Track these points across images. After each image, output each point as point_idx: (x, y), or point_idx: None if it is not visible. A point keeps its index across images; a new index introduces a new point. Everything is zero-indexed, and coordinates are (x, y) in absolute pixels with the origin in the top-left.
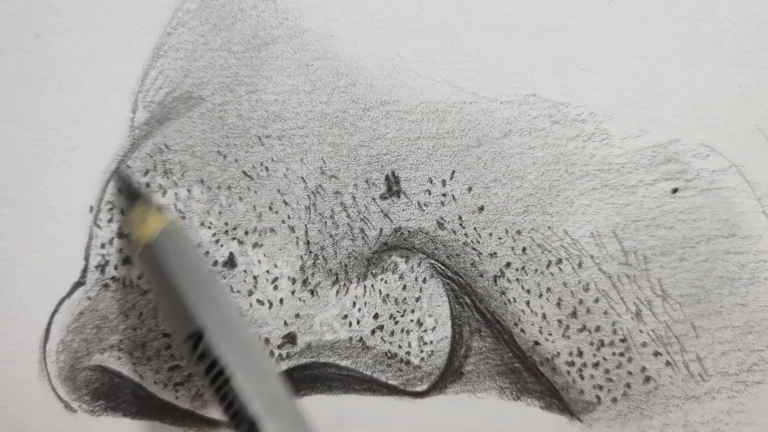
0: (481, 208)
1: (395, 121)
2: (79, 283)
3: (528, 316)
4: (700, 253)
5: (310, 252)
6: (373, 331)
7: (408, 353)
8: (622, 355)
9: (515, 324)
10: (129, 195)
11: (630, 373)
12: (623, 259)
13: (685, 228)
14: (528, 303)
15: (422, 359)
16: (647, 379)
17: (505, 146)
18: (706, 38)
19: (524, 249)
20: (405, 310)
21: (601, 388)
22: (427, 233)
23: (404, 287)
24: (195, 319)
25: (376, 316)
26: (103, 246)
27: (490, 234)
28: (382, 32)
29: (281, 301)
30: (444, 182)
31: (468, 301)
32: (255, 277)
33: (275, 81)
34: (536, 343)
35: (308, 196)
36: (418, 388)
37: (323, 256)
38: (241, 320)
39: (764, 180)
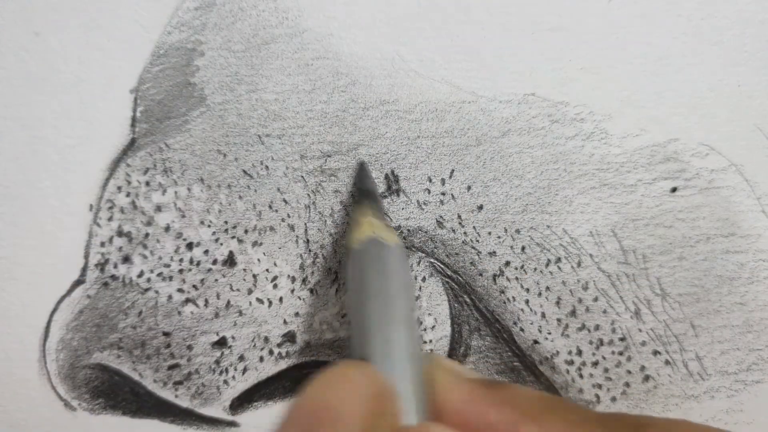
0: (480, 207)
1: (395, 120)
2: (78, 282)
3: (527, 314)
4: (700, 252)
5: (310, 250)
6: None
7: None
8: (621, 354)
9: (514, 323)
10: (362, 192)
11: (629, 372)
12: (622, 258)
13: (685, 227)
14: (527, 302)
15: None
16: (646, 378)
17: (504, 145)
18: (706, 38)
19: (523, 248)
20: None
21: (600, 386)
22: (426, 232)
23: None
24: (362, 347)
25: None
26: (102, 244)
27: (489, 233)
28: (381, 31)
29: (281, 299)
30: (443, 181)
31: (467, 299)
32: (254, 276)
33: (275, 80)
34: (535, 341)
35: (308, 194)
36: None
37: (323, 254)
38: (413, 363)
39: (763, 179)
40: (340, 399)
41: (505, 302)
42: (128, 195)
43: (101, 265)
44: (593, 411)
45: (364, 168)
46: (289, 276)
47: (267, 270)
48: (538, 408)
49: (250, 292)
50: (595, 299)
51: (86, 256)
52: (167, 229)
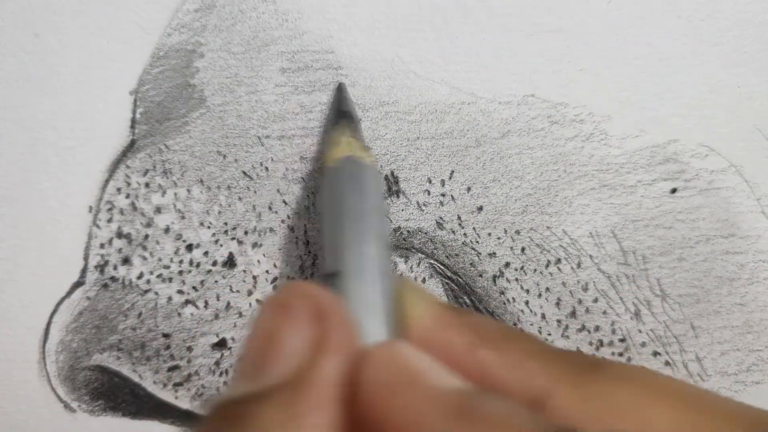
0: (480, 208)
1: (394, 121)
2: (78, 283)
3: (527, 315)
4: (699, 253)
5: (310, 252)
6: None
7: None
8: (621, 355)
9: (514, 324)
10: (340, 113)
11: None
12: (622, 259)
13: (684, 228)
14: (527, 303)
15: None
16: None
17: (503, 146)
18: (705, 38)
19: (523, 249)
20: None
21: None
22: (426, 233)
23: None
24: (335, 262)
25: None
26: (102, 246)
27: (489, 234)
28: (381, 33)
29: None
30: (443, 182)
31: (467, 300)
32: (254, 277)
33: (275, 82)
34: None
35: (308, 195)
36: None
37: (323, 255)
38: (384, 280)
39: (763, 180)
40: (279, 330)
41: (505, 303)
42: (128, 196)
43: (101, 267)
44: (550, 345)
45: (342, 89)
46: (289, 277)
47: (267, 271)
48: (498, 335)
49: (250, 293)
50: (595, 300)
51: (86, 258)
52: (167, 230)
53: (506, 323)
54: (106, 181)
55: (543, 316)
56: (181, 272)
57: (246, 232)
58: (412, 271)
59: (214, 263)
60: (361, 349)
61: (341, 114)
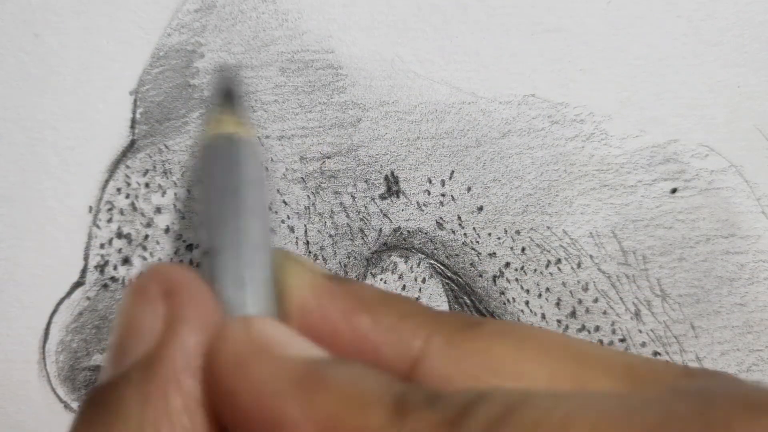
0: (480, 208)
1: (394, 121)
2: (78, 284)
3: (527, 316)
4: (699, 253)
5: (310, 252)
6: None
7: None
8: None
9: None
10: (220, 92)
11: None
12: (622, 259)
13: (684, 228)
14: (527, 303)
15: None
16: None
17: (504, 146)
18: (705, 38)
19: (523, 249)
20: None
21: None
22: (426, 233)
23: (404, 287)
24: (210, 239)
25: None
26: (102, 246)
27: (489, 234)
28: (381, 33)
29: None
30: (443, 182)
31: (467, 301)
32: None
33: (275, 82)
34: None
35: (307, 196)
36: None
37: (323, 256)
38: (262, 254)
39: (763, 180)
40: (136, 312)
41: (505, 303)
42: (128, 197)
43: (101, 267)
44: (430, 307)
45: (224, 69)
46: None
47: None
48: (375, 300)
49: None
50: (595, 300)
51: (86, 258)
52: (167, 230)
53: (391, 291)
54: (106, 181)
55: (543, 316)
56: None
57: None
58: (412, 271)
59: None
60: (219, 324)
61: (221, 93)
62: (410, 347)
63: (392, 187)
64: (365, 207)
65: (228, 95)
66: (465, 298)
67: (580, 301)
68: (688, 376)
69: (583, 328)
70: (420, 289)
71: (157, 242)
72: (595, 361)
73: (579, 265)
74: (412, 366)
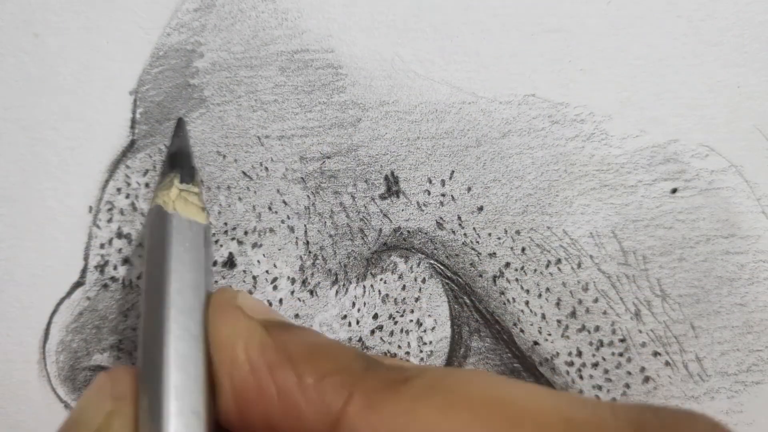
0: (480, 208)
1: (394, 121)
2: (78, 284)
3: (527, 316)
4: (700, 253)
5: (310, 252)
6: (372, 332)
7: (407, 353)
8: (621, 355)
9: (514, 324)
10: (171, 155)
11: (629, 373)
12: (622, 259)
13: (685, 228)
14: (527, 303)
15: (422, 359)
16: (646, 379)
17: (504, 146)
18: (705, 38)
19: (523, 249)
20: (404, 311)
21: (600, 388)
22: (426, 233)
23: (403, 287)
24: (141, 317)
25: (375, 317)
26: (102, 246)
27: (489, 234)
28: (381, 33)
29: (280, 301)
30: (443, 182)
31: (467, 301)
32: (254, 278)
33: (275, 81)
34: (535, 343)
35: (307, 196)
36: None
37: (322, 256)
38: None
39: (763, 180)
40: (81, 408)
41: (505, 303)
42: (128, 197)
43: (101, 267)
44: (363, 358)
45: (181, 127)
46: (289, 278)
47: (267, 272)
48: (301, 356)
49: (249, 293)
50: (596, 300)
51: (86, 258)
52: None
53: (325, 337)
54: (106, 182)
55: (543, 317)
56: None
57: (246, 233)
58: (412, 271)
59: (214, 263)
60: None
61: (173, 156)
62: (330, 408)
63: (392, 187)
64: (365, 207)
65: (174, 159)
66: (465, 298)
67: (580, 301)
68: (634, 424)
69: (583, 328)
70: (420, 289)
71: None
72: (530, 421)
73: (579, 266)
74: (333, 427)
